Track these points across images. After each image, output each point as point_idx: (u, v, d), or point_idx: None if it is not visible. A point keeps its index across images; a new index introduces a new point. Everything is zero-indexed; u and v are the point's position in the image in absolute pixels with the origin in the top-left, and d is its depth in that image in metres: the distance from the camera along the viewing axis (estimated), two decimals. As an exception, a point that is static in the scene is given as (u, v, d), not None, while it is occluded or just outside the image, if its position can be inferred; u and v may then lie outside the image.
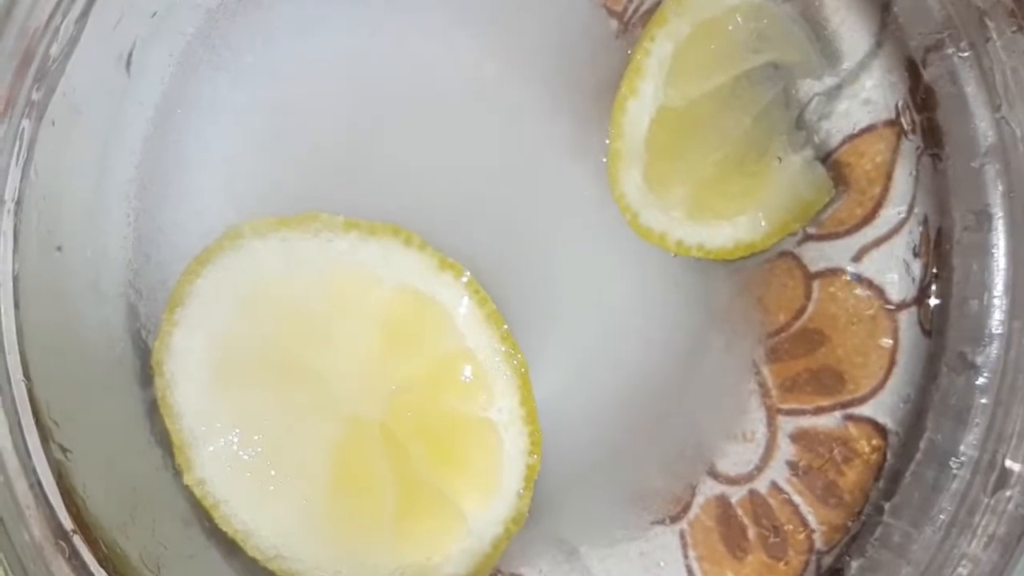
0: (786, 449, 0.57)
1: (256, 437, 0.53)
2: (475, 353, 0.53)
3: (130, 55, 0.54)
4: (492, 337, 0.53)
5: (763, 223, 0.56)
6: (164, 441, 0.53)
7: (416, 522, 0.54)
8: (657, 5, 0.56)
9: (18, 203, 0.51)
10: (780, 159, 0.56)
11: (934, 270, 0.57)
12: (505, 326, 0.54)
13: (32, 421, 0.51)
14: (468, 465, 0.54)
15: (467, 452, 0.54)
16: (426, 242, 0.53)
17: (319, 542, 0.53)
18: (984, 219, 0.56)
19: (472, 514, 0.54)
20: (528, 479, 0.54)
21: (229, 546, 0.54)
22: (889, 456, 0.57)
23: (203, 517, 0.54)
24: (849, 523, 0.57)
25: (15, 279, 0.51)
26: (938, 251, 0.57)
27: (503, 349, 0.53)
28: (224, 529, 0.53)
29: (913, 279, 0.57)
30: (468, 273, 0.53)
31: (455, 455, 0.54)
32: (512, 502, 0.54)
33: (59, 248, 0.53)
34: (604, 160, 0.56)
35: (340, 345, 0.53)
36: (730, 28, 0.55)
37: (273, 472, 0.53)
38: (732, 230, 0.56)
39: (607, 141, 0.55)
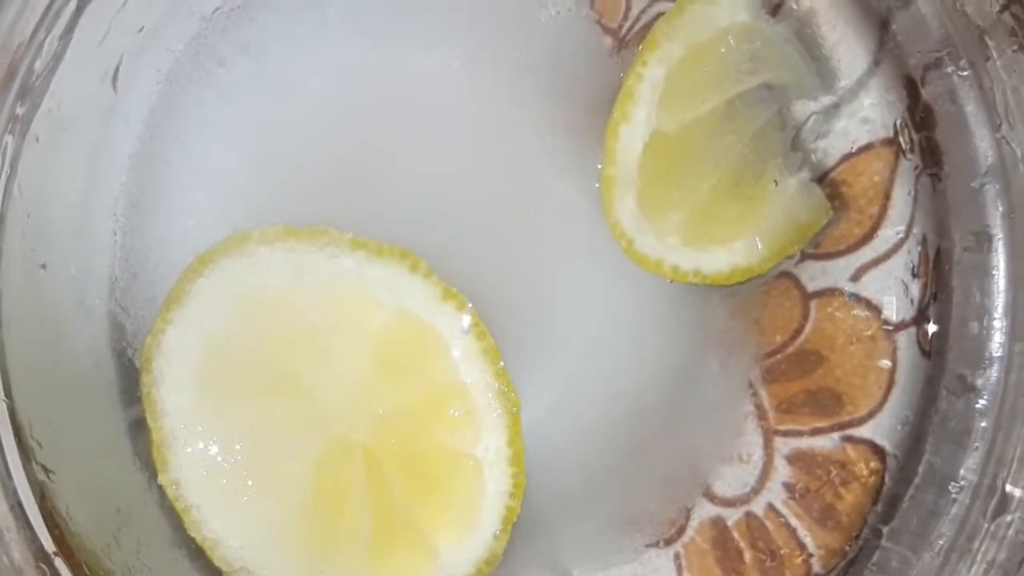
0: (783, 471, 0.57)
1: (237, 446, 0.52)
2: (468, 388, 0.53)
3: (116, 71, 0.54)
4: (487, 373, 0.53)
5: (760, 247, 0.56)
6: (149, 463, 0.53)
7: (388, 552, 0.53)
8: (653, 23, 0.55)
9: (1, 220, 0.51)
10: (776, 182, 0.56)
11: (933, 291, 0.57)
12: (501, 363, 0.53)
13: (14, 441, 0.50)
14: (447, 501, 0.54)
15: (448, 487, 0.54)
16: (432, 270, 0.53)
17: (287, 560, 0.53)
18: (984, 240, 0.55)
19: (445, 551, 0.53)
20: (506, 522, 0.54)
21: (216, 571, 0.53)
22: (887, 479, 0.57)
23: (189, 540, 0.53)
24: (847, 547, 0.57)
25: (-2, 297, 0.51)
26: (937, 272, 0.57)
27: (497, 386, 0.53)
28: (192, 535, 0.52)
29: (912, 300, 0.57)
30: (470, 305, 0.53)
31: (435, 489, 0.54)
32: (487, 543, 0.54)
33: (43, 266, 0.53)
34: (597, 185, 0.55)
35: (334, 363, 0.53)
36: (722, 50, 0.55)
37: (250, 482, 0.52)
38: (728, 255, 0.55)
39: (599, 166, 0.55)
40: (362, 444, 0.53)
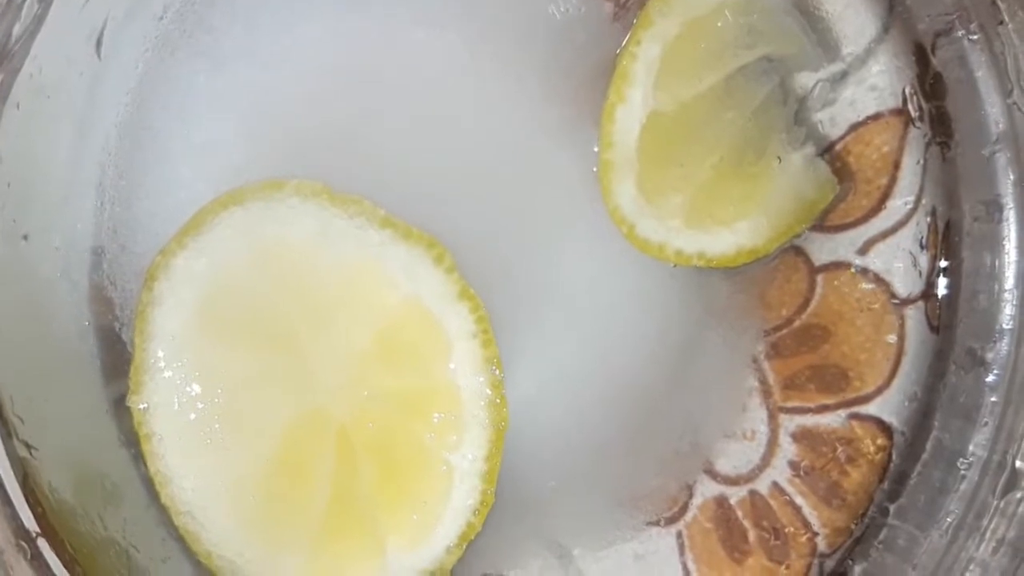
0: (788, 448, 0.56)
1: (215, 387, 0.52)
2: (461, 392, 0.53)
3: (101, 36, 0.54)
4: (484, 382, 0.53)
5: (766, 227, 0.55)
6: (133, 439, 0.52)
7: (337, 538, 0.53)
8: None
9: (-20, 189, 0.51)
10: (780, 159, 0.55)
11: (942, 263, 0.56)
12: (500, 373, 0.53)
13: (-7, 417, 0.50)
14: (410, 501, 0.53)
15: (414, 487, 0.53)
16: (455, 266, 0.52)
17: (233, 516, 0.52)
18: (995, 209, 0.55)
19: (394, 553, 0.53)
20: (463, 538, 0.53)
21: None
22: (895, 456, 0.56)
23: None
24: (853, 525, 0.57)
25: (-23, 269, 0.51)
26: (947, 243, 0.56)
27: (490, 395, 0.53)
28: (148, 466, 0.52)
29: (920, 272, 0.56)
30: (484, 308, 0.52)
31: (401, 485, 0.53)
32: (438, 556, 0.53)
33: (25, 237, 0.53)
34: (596, 149, 0.55)
35: (334, 332, 0.52)
36: (719, 25, 0.54)
37: (218, 426, 0.52)
38: (733, 236, 0.55)
39: (596, 149, 0.54)
40: (339, 421, 0.52)
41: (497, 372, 0.53)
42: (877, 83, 0.56)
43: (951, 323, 0.56)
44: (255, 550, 0.52)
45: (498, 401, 0.53)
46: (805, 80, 0.56)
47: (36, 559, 0.49)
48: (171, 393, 0.51)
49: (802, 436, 0.56)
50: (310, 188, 0.51)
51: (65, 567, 0.49)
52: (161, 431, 0.52)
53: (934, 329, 0.56)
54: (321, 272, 0.52)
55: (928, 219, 0.56)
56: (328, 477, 0.52)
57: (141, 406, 0.51)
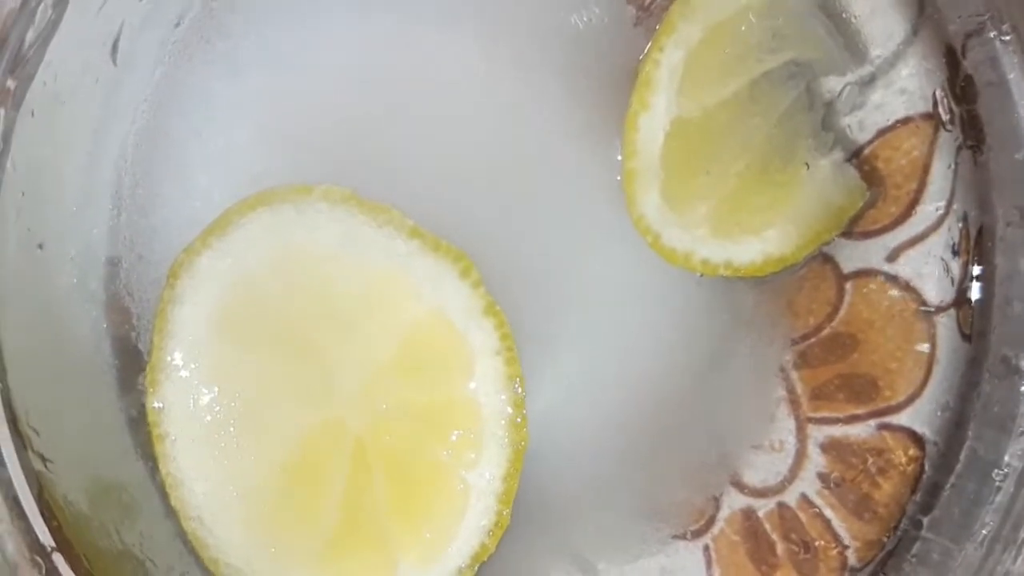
0: (817, 460, 0.56)
1: (232, 390, 0.51)
2: (482, 409, 0.52)
3: (116, 42, 0.53)
4: (505, 400, 0.52)
5: (794, 235, 0.54)
6: (150, 451, 0.52)
7: (347, 552, 0.52)
8: (677, -9, 0.54)
9: (-6, 197, 0.51)
10: (808, 165, 0.54)
11: (975, 270, 0.55)
12: (523, 392, 0.52)
13: (7, 430, 0.50)
14: (424, 518, 0.53)
15: (429, 504, 0.53)
16: (481, 280, 0.52)
17: (244, 524, 0.52)
18: None
19: (404, 571, 0.52)
20: (476, 559, 0.53)
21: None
22: (927, 467, 0.56)
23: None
24: (884, 539, 0.56)
25: (-9, 279, 0.51)
26: (979, 249, 0.55)
27: (510, 413, 0.52)
28: (160, 468, 0.52)
29: (952, 279, 0.55)
30: (508, 326, 0.52)
31: (415, 502, 0.53)
32: None
33: (40, 246, 0.52)
34: (619, 158, 0.54)
35: (355, 342, 0.52)
36: (743, 29, 0.53)
37: (233, 431, 0.51)
38: (761, 245, 0.54)
39: (619, 157, 0.54)
40: (356, 433, 0.52)
41: (519, 390, 0.52)
42: (906, 86, 0.55)
43: (984, 331, 0.55)
44: (263, 559, 0.52)
45: (519, 420, 0.52)
46: (832, 84, 0.55)
47: (51, 574, 0.49)
48: (187, 394, 0.51)
49: (831, 447, 0.56)
50: (339, 194, 0.51)
51: (81, 582, 0.50)
52: (175, 432, 0.51)
53: (966, 337, 0.55)
54: (345, 279, 0.51)
55: (960, 224, 0.55)
56: (341, 489, 0.52)
57: (156, 405, 0.51)
